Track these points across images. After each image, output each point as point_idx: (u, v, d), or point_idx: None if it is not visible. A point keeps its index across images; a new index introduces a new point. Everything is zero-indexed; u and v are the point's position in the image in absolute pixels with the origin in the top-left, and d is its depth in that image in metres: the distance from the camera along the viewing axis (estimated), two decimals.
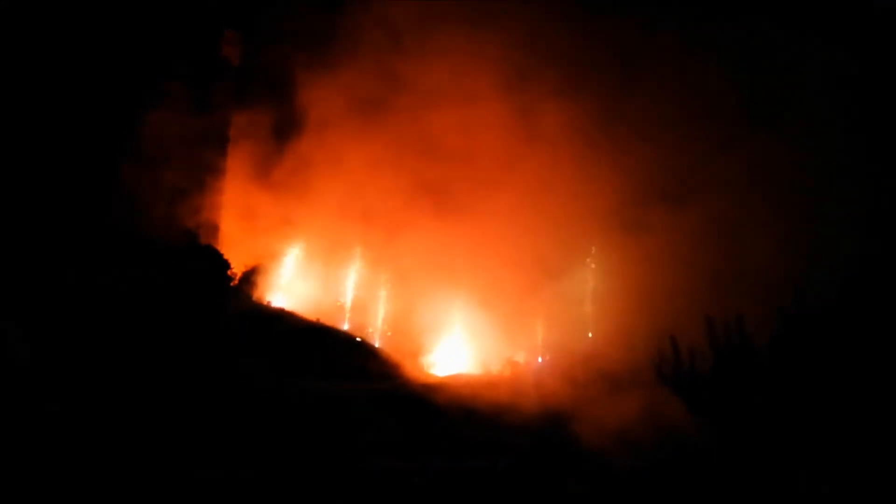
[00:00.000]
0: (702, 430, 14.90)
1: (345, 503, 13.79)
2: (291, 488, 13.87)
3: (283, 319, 25.22)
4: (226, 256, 24.17)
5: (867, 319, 15.33)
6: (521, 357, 27.26)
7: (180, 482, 13.41)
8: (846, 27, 23.36)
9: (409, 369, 25.28)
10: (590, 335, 27.26)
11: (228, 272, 24.04)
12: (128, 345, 17.11)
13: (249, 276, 27.05)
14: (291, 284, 28.22)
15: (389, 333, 28.43)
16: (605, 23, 26.66)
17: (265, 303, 27.12)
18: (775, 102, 23.94)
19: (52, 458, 12.96)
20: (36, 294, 17.00)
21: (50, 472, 12.47)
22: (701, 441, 14.64)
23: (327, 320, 26.76)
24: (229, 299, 23.51)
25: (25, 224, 18.35)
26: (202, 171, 25.76)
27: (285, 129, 28.67)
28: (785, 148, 22.73)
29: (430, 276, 27.78)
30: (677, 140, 25.33)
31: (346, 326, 27.88)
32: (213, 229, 26.39)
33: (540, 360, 27.28)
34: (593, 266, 28.07)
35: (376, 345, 27.40)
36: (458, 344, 27.85)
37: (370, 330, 28.53)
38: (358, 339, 26.63)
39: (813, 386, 14.28)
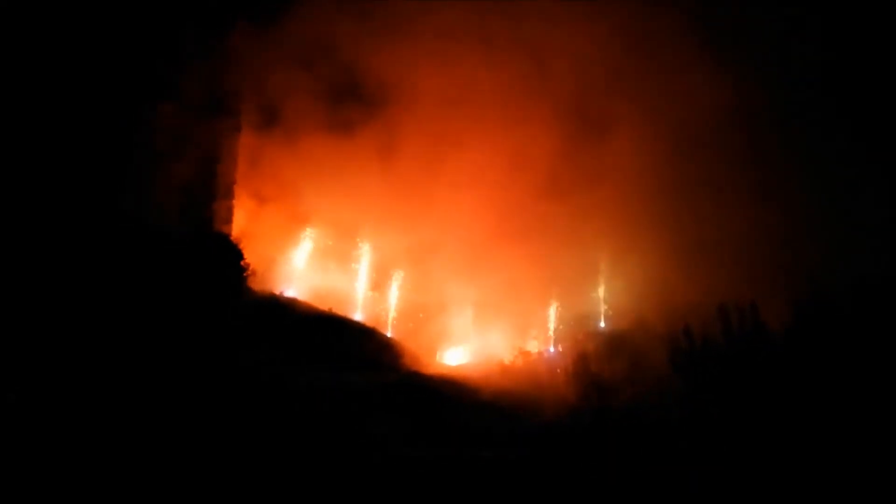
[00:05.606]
0: (715, 417, 14.83)
1: (356, 493, 13.84)
2: (304, 478, 13.94)
3: (295, 309, 25.29)
4: (239, 247, 24.24)
5: (882, 312, 15.17)
6: (533, 346, 27.19)
7: (198, 466, 13.56)
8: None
9: (421, 359, 25.31)
10: (602, 325, 27.20)
11: (241, 262, 24.09)
12: (141, 334, 17.19)
13: (262, 266, 27.04)
14: (304, 274, 28.24)
15: (401, 323, 28.41)
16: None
17: (277, 292, 27.17)
18: (794, 99, 23.82)
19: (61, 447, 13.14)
20: (50, 286, 17.11)
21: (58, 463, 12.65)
22: (715, 428, 14.58)
23: (339, 310, 26.82)
24: (242, 289, 23.56)
25: (40, 216, 18.45)
26: (214, 162, 25.81)
27: (298, 120, 28.60)
28: (804, 143, 22.60)
29: (442, 267, 27.75)
30: (692, 133, 25.24)
31: (358, 316, 27.88)
32: (226, 220, 26.43)
33: (552, 349, 27.19)
34: (606, 256, 27.94)
35: (388, 334, 27.43)
36: (470, 333, 27.82)
37: (382, 311, 28.47)
38: (370, 328, 26.67)
39: (826, 377, 14.16)
